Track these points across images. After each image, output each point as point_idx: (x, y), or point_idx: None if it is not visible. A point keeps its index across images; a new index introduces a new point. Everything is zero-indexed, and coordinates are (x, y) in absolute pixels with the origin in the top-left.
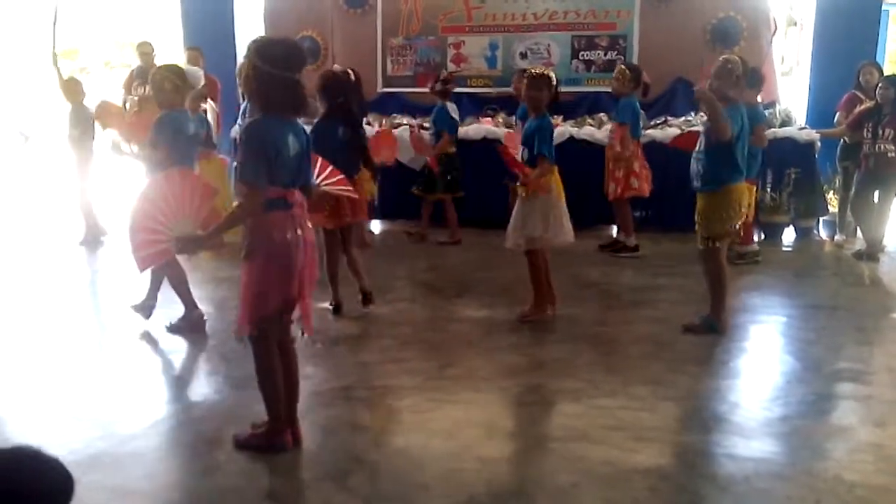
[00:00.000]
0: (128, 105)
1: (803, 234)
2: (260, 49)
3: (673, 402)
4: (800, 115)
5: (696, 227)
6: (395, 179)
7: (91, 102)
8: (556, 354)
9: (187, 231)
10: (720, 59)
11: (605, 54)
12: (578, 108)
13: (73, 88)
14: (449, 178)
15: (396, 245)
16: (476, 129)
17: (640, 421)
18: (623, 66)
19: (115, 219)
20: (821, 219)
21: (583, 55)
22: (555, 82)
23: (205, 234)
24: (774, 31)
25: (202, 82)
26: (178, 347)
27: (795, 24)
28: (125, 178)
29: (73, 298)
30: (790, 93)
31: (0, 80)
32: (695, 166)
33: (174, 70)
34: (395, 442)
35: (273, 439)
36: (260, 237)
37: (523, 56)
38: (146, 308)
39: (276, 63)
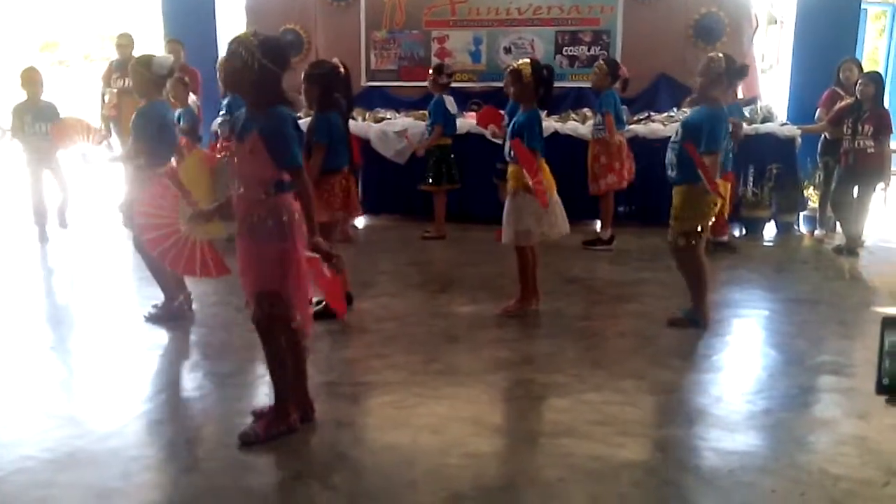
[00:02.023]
0: (106, 97)
1: (784, 229)
2: (264, 46)
3: (657, 395)
4: (781, 111)
5: (672, 222)
6: (376, 174)
7: (51, 96)
8: (542, 349)
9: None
10: (706, 57)
11: (589, 49)
12: (562, 103)
13: (30, 78)
14: (444, 169)
15: (379, 240)
16: (461, 123)
17: (626, 415)
18: (601, 61)
19: (78, 214)
20: (801, 214)
21: (566, 50)
22: (529, 73)
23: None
24: (756, 28)
25: (166, 70)
26: (158, 342)
27: (776, 21)
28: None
29: (39, 293)
30: (771, 89)
31: None
32: (671, 155)
33: (141, 60)
34: (380, 438)
35: (287, 422)
36: (288, 217)
37: (507, 51)
38: (174, 310)
39: (278, 61)
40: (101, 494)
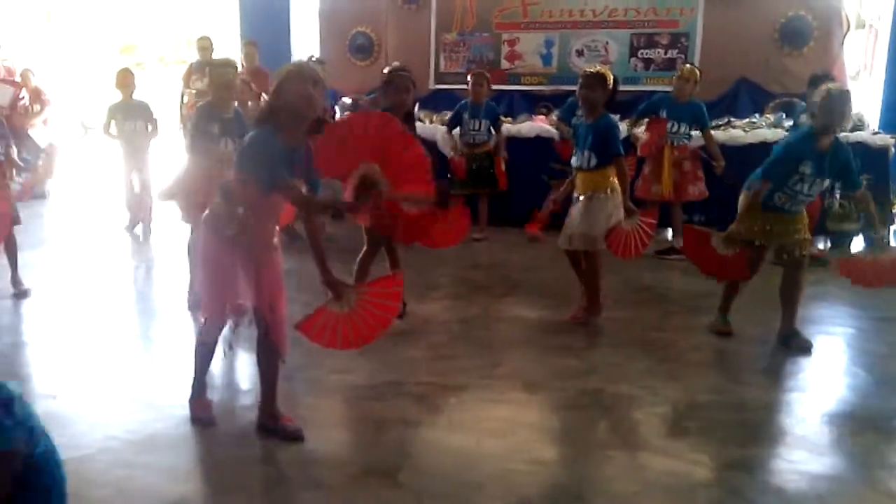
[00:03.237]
0: (185, 98)
1: (874, 243)
2: None
3: (737, 413)
4: (873, 119)
5: (808, 235)
6: (440, 176)
7: (144, 95)
8: (611, 359)
9: None
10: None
11: (666, 53)
12: (636, 107)
13: (124, 79)
14: (490, 172)
15: None
16: (529, 127)
17: (703, 431)
18: (689, 66)
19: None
20: (893, 228)
21: (642, 53)
22: (611, 81)
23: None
24: (847, 32)
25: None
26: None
27: (864, 25)
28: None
29: (126, 284)
30: (863, 97)
31: (63, 71)
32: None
33: (234, 65)
34: (445, 439)
35: None
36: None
37: (580, 54)
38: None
39: None
40: (178, 476)
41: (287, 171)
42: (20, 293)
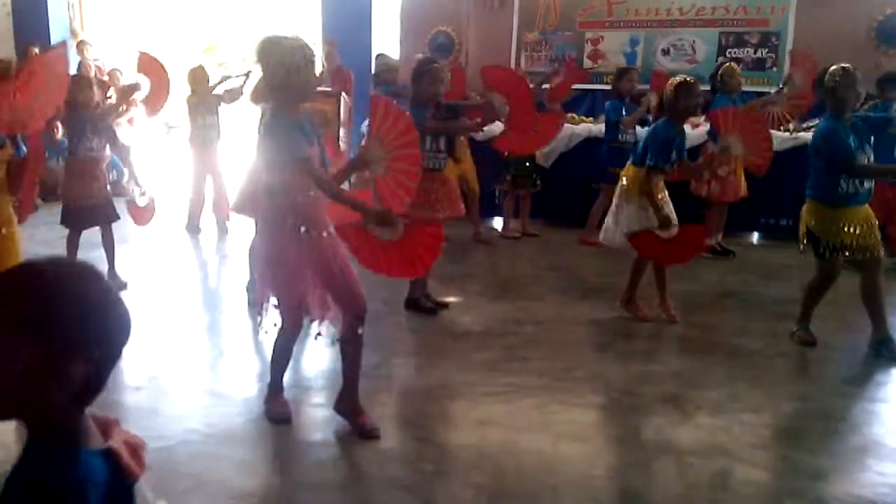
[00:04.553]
0: None
1: None
2: None
3: (824, 422)
4: None
5: (882, 239)
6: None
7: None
8: (692, 364)
9: None
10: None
11: (756, 52)
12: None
13: (198, 76)
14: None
15: (518, 243)
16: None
17: (789, 440)
18: (731, 64)
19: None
20: None
21: (730, 52)
22: None
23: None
24: None
25: None
26: (307, 330)
27: None
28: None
29: (203, 280)
30: None
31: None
32: None
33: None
34: (521, 441)
35: None
36: None
37: (665, 52)
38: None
39: None
40: (255, 470)
41: (305, 141)
42: (118, 286)
